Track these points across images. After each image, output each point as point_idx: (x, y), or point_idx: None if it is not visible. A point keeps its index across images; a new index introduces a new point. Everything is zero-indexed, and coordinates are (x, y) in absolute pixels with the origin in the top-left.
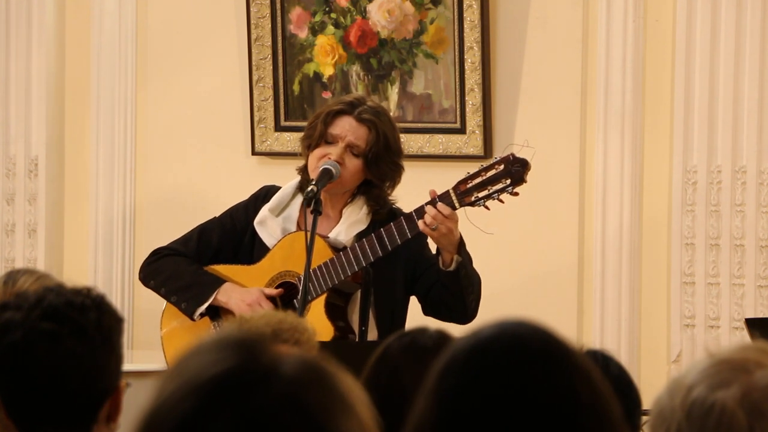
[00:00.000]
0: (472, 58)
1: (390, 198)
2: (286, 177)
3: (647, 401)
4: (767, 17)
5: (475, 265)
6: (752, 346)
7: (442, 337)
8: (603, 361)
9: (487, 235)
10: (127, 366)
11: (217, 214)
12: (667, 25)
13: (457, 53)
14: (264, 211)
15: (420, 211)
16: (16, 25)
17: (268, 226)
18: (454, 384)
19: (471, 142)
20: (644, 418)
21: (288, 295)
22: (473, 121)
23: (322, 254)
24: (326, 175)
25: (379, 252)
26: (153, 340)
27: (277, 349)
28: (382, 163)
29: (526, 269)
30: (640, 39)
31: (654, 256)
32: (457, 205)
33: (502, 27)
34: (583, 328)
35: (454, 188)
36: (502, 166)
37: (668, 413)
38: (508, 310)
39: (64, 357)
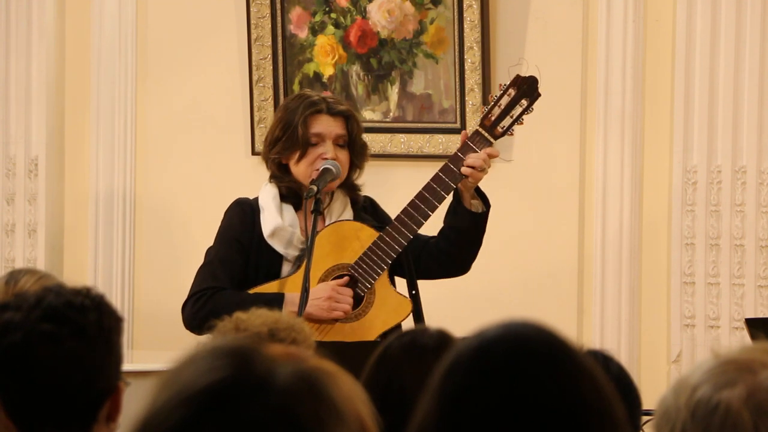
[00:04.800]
0: (472, 58)
1: (356, 183)
2: (267, 169)
3: (647, 401)
4: (767, 17)
5: (475, 265)
6: (757, 347)
7: (443, 337)
8: (603, 361)
9: (487, 235)
10: (127, 366)
11: (213, 222)
12: (667, 25)
13: (457, 53)
14: (276, 221)
15: (456, 159)
16: (16, 25)
17: (283, 236)
18: (459, 385)
19: None
20: (644, 419)
21: (348, 285)
22: (473, 121)
23: (365, 235)
24: (327, 175)
25: (430, 212)
26: (153, 340)
27: (273, 357)
28: (359, 146)
29: (526, 269)
30: (640, 39)
31: (654, 256)
32: (491, 140)
33: (502, 27)
34: (583, 328)
35: (481, 126)
36: (514, 90)
37: (673, 413)
38: (509, 309)
39: (64, 358)
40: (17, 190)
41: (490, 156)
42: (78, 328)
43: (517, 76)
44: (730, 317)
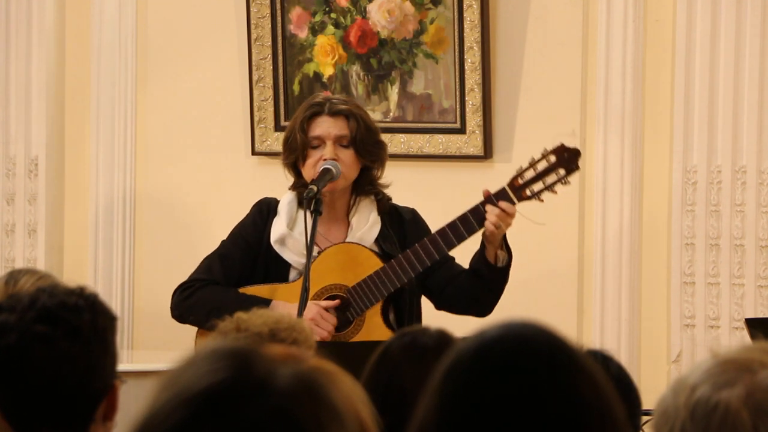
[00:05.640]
0: (472, 58)
1: (381, 182)
2: (286, 177)
3: (647, 401)
4: (767, 17)
5: None
6: (756, 347)
7: (443, 337)
8: (603, 361)
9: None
10: (127, 366)
11: (214, 221)
12: (667, 25)
13: (457, 53)
14: (282, 228)
15: (476, 212)
16: (16, 25)
17: (288, 244)
18: (459, 385)
19: (471, 142)
20: (644, 419)
21: (340, 308)
22: (473, 121)
23: (369, 263)
24: (327, 174)
25: (436, 256)
26: (153, 340)
27: (273, 358)
28: (368, 144)
29: (526, 269)
30: (640, 39)
31: (654, 256)
32: (515, 200)
33: (502, 27)
34: (583, 328)
35: (510, 185)
36: (554, 158)
37: (672, 413)
38: (509, 310)
39: (59, 359)
40: (17, 190)
41: (506, 212)
42: (72, 328)
43: (561, 145)
44: (730, 317)
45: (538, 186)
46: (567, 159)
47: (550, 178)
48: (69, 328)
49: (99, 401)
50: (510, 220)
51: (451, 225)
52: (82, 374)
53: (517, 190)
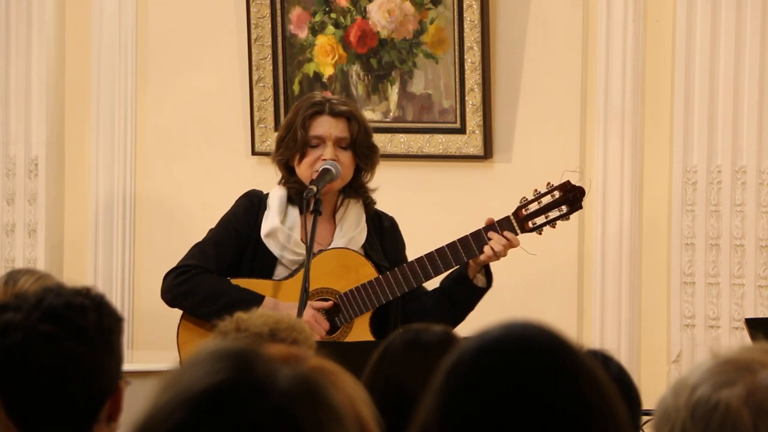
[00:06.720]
0: (472, 58)
1: (369, 186)
2: (276, 173)
3: (647, 401)
4: (767, 17)
5: None
6: (756, 347)
7: (446, 335)
8: (603, 361)
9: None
10: (127, 366)
11: (214, 221)
12: (667, 25)
13: (457, 53)
14: (273, 223)
15: (478, 237)
16: (16, 25)
17: (279, 238)
18: (461, 385)
19: (471, 142)
20: (644, 419)
21: (329, 311)
22: (473, 121)
23: (364, 272)
24: (326, 175)
25: (432, 274)
26: (153, 340)
27: (273, 359)
28: (365, 147)
29: (526, 269)
30: (640, 39)
31: (654, 256)
32: (518, 231)
33: (502, 27)
34: (583, 328)
35: (514, 214)
36: (559, 194)
37: (672, 412)
38: (509, 310)
39: (64, 358)
40: (17, 190)
41: (511, 243)
42: (78, 328)
43: (567, 182)
44: (730, 317)
45: (540, 219)
46: (572, 197)
47: (553, 214)
48: (74, 327)
49: (103, 401)
50: (508, 250)
51: (451, 246)
52: (87, 374)
53: (521, 221)
